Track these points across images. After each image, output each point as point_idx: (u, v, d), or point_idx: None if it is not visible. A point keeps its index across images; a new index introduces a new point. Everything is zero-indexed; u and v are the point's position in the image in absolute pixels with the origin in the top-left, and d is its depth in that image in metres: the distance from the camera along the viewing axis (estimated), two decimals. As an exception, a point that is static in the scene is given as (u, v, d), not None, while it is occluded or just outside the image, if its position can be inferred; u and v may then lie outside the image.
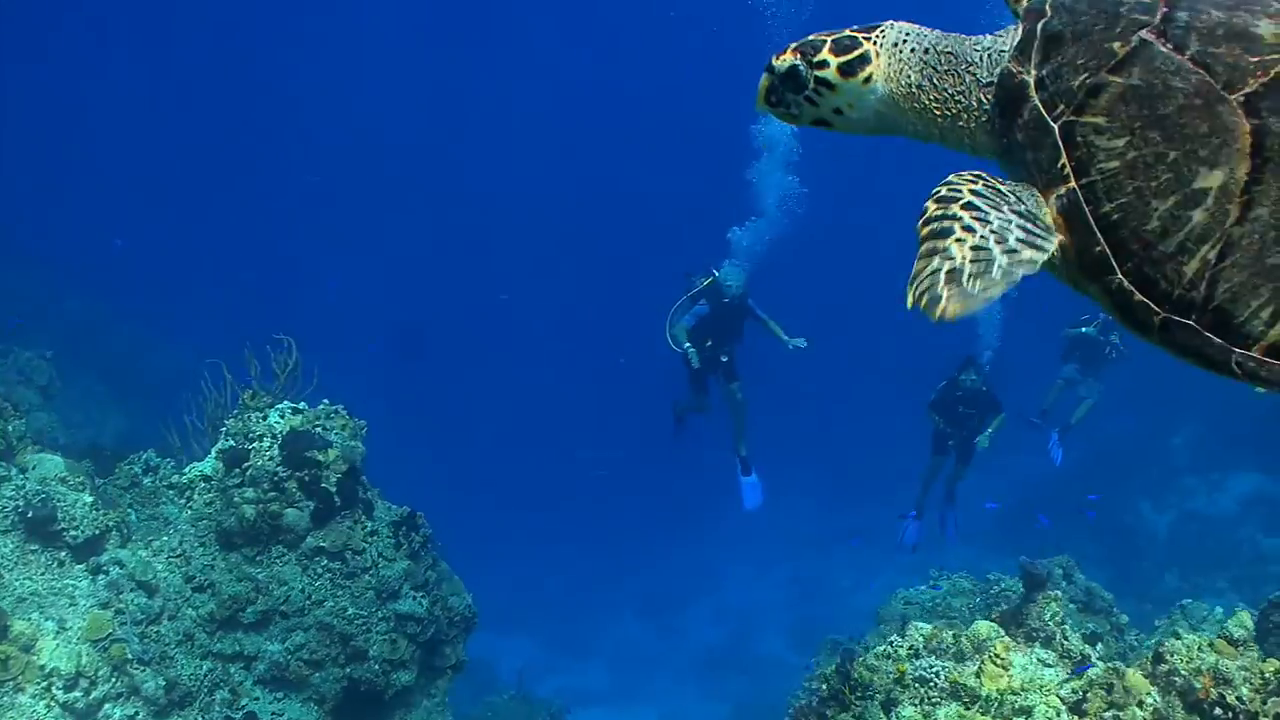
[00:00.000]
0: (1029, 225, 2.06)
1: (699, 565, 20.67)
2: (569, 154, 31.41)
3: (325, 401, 8.39)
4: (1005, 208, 2.07)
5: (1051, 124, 2.13)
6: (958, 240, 1.99)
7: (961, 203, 2.06)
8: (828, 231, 23.03)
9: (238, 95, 30.09)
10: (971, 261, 1.95)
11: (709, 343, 11.20)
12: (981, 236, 2.00)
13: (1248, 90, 1.99)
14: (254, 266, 28.79)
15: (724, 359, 11.40)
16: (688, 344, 11.13)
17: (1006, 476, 17.78)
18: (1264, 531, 15.23)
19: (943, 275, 1.93)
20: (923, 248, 2.02)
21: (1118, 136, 2.05)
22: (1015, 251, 1.99)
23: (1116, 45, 2.11)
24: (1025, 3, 2.34)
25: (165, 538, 7.57)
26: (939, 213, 2.06)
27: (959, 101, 2.36)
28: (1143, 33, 2.11)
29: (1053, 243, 2.07)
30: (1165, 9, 2.15)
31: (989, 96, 2.31)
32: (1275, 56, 2.01)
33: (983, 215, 2.04)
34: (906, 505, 12.44)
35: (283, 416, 8.10)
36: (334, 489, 7.72)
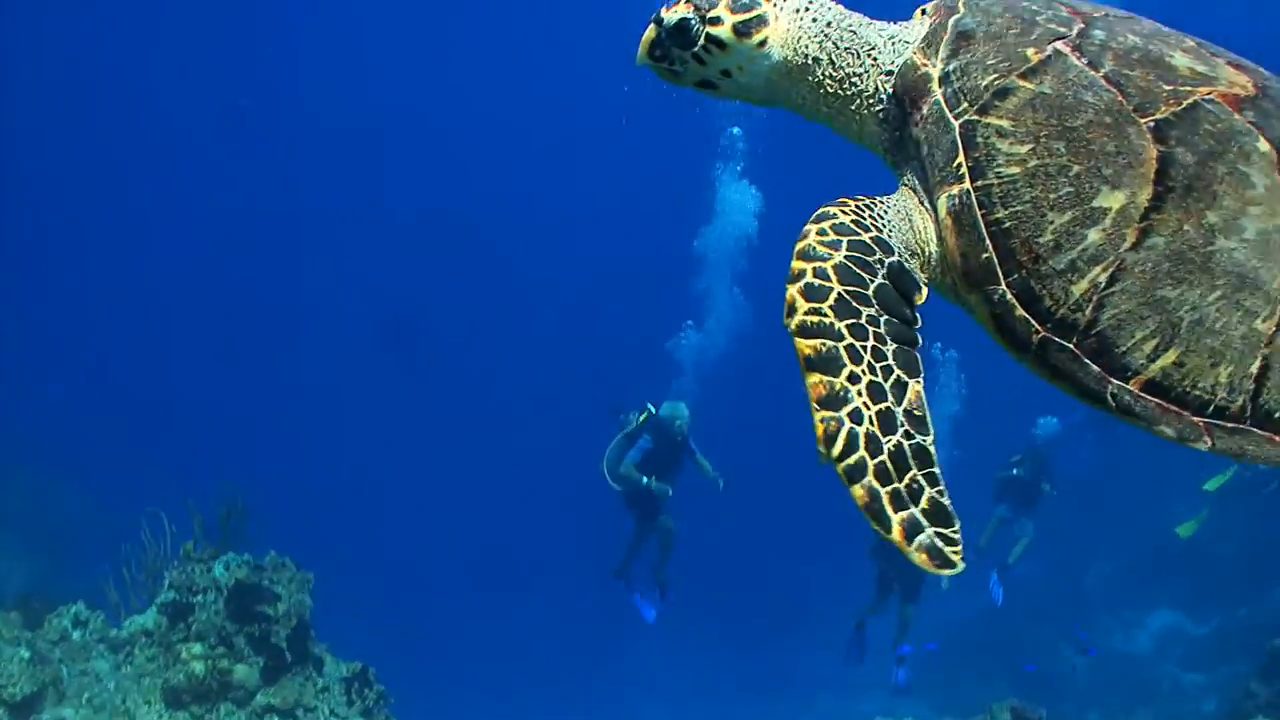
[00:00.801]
0: (896, 300, 1.94)
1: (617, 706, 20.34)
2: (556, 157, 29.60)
3: (272, 553, 8.22)
4: (877, 277, 1.95)
5: (952, 121, 2.03)
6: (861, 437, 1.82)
7: (840, 329, 1.88)
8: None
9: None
10: (893, 492, 1.79)
11: (653, 477, 11.29)
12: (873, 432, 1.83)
13: (1159, 116, 1.95)
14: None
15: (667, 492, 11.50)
16: (646, 478, 11.20)
17: (937, 616, 17.96)
18: (1182, 667, 15.54)
19: (886, 503, 1.78)
20: (816, 415, 1.84)
21: (1021, 143, 1.97)
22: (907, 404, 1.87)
23: (1030, 51, 2.05)
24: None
25: (106, 695, 7.26)
26: (819, 346, 1.87)
27: (854, 84, 2.25)
28: (1058, 44, 2.05)
29: (919, 297, 1.98)
30: (1082, 25, 2.11)
31: (887, 85, 2.20)
32: (1188, 89, 1.98)
33: (861, 371, 1.86)
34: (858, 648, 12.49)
35: (228, 568, 7.91)
36: (284, 644, 7.53)
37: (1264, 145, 1.93)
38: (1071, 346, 1.93)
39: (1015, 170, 1.95)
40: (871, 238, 2.00)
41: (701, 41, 2.25)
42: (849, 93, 2.25)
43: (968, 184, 1.98)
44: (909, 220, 2.08)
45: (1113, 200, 1.91)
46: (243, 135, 27.44)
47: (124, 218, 26.77)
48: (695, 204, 20.86)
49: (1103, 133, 1.93)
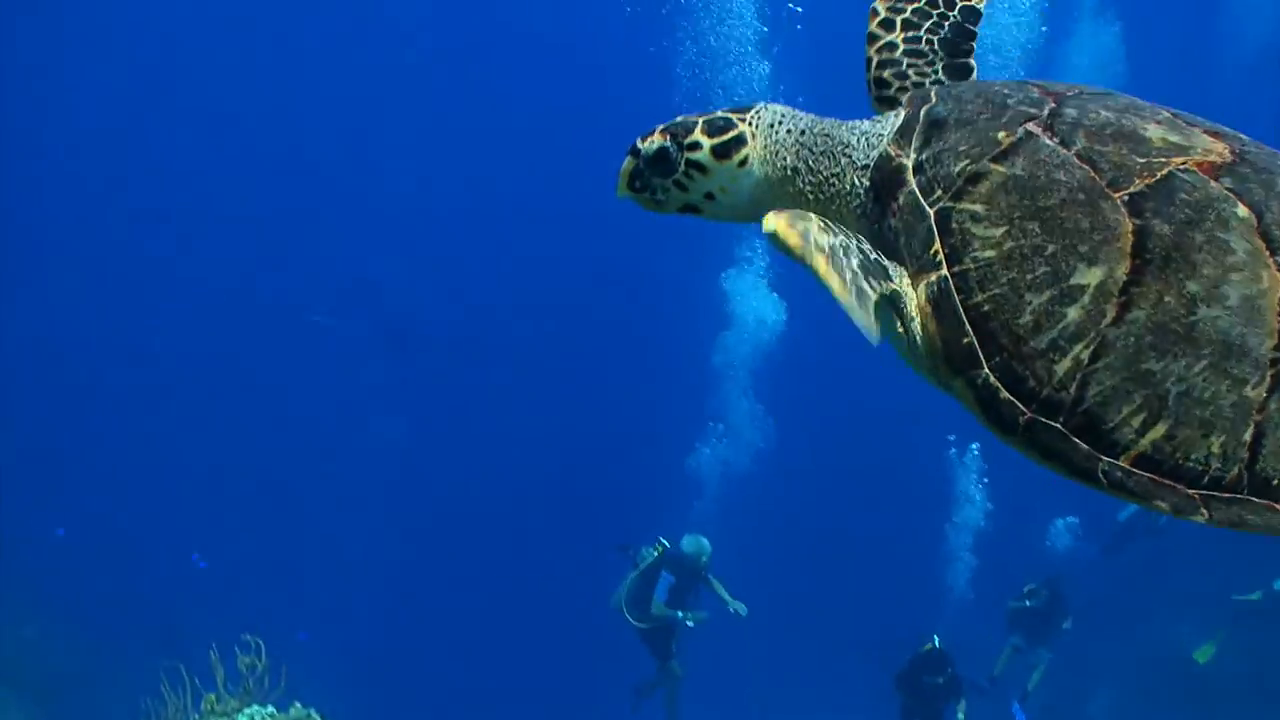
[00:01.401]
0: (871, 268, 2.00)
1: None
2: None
3: (297, 704, 8.13)
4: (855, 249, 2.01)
5: (927, 209, 2.05)
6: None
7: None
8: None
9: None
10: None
11: (686, 612, 11.32)
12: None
13: (1133, 190, 1.95)
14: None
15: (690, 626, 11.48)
16: (680, 613, 11.21)
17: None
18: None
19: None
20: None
21: (995, 225, 1.98)
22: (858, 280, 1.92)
23: (1001, 135, 2.06)
24: (890, 88, 2.36)
25: None
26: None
27: (833, 185, 2.28)
28: (1029, 125, 2.07)
29: (889, 287, 2.01)
30: (1054, 104, 2.12)
31: (864, 180, 2.23)
32: (1162, 160, 1.99)
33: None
34: None
35: (254, 723, 7.82)
36: (315, 800, 7.40)
37: (1242, 210, 1.94)
38: (1059, 426, 1.92)
39: (991, 253, 1.96)
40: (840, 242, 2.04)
41: (682, 168, 2.29)
42: (829, 194, 2.28)
43: (945, 270, 1.99)
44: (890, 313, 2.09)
45: (1090, 277, 1.91)
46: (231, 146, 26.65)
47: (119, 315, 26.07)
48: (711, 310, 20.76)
49: (1077, 210, 1.94)
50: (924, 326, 2.03)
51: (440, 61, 27.26)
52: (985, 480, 18.29)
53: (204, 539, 21.02)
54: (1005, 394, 1.94)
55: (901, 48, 2.51)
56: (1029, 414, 1.93)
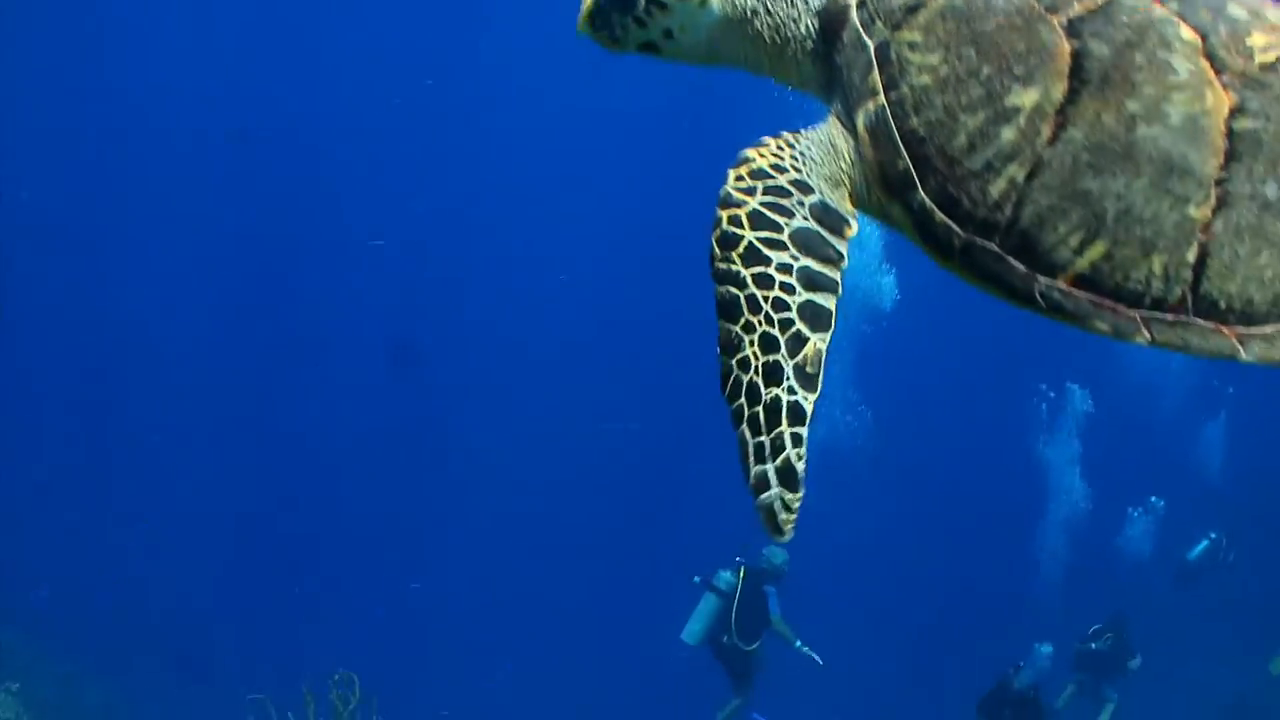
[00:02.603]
0: (819, 240, 1.99)
1: None
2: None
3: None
4: (796, 218, 2.00)
5: (868, 41, 2.06)
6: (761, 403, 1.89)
7: (750, 274, 1.94)
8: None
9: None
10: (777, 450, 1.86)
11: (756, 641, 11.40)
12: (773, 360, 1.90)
13: (1071, 14, 1.95)
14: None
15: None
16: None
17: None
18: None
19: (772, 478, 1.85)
20: (723, 364, 1.92)
21: (932, 52, 1.98)
22: (816, 315, 1.93)
23: None
24: None
25: None
26: (731, 300, 1.93)
27: (790, 29, 2.25)
28: None
29: (845, 237, 2.01)
30: None
31: (816, 23, 2.22)
32: None
33: (766, 300, 1.93)
34: None
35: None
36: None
37: (1186, 33, 1.93)
38: (994, 247, 1.92)
39: (927, 79, 1.97)
40: (789, 180, 2.03)
41: (643, 5, 2.27)
42: (785, 38, 2.26)
43: (882, 98, 2.00)
44: (832, 148, 2.09)
45: (1025, 98, 1.91)
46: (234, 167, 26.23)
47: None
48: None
49: (1013, 34, 1.94)
50: (863, 155, 2.03)
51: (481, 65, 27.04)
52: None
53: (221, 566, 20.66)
54: (941, 216, 1.95)
55: None
56: (965, 235, 1.93)
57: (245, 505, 22.30)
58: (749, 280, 1.93)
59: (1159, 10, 1.95)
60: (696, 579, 11.74)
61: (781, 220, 1.98)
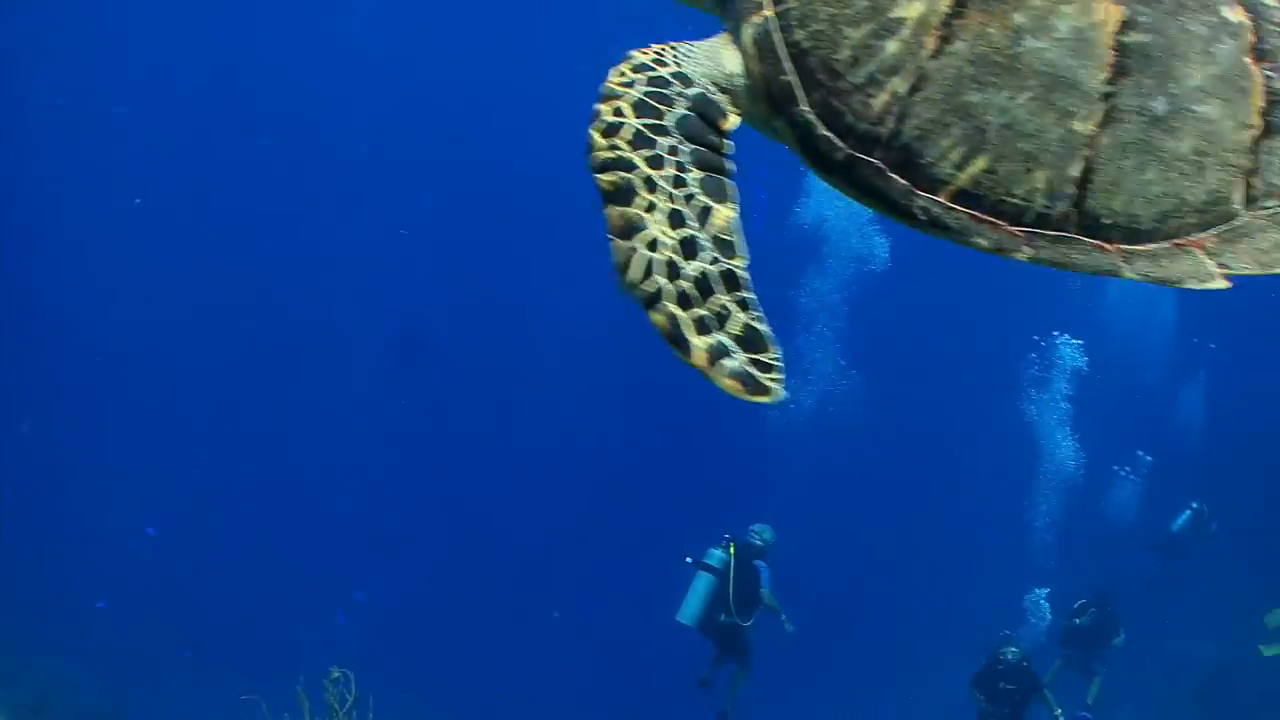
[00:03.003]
0: (700, 127, 1.97)
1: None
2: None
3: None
4: (677, 107, 1.97)
5: None
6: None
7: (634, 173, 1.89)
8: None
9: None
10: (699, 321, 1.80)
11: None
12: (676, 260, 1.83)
13: None
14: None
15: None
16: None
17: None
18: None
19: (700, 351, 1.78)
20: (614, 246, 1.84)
21: None
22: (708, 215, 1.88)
23: None
24: None
25: None
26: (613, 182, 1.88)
27: None
28: None
29: (730, 119, 1.99)
30: None
31: None
32: None
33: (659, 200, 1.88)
34: None
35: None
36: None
37: None
38: (876, 161, 1.91)
39: None
40: (671, 72, 2.02)
41: None
42: None
43: (769, 10, 1.97)
44: (718, 59, 2.07)
45: (910, 10, 1.89)
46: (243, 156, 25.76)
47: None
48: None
49: None
50: (748, 68, 2.00)
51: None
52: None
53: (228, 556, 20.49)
54: (823, 130, 1.93)
55: None
56: (846, 149, 1.92)
57: (244, 500, 22.28)
58: (639, 162, 1.89)
59: None
60: (689, 559, 11.74)
61: (663, 108, 1.96)
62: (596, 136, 1.93)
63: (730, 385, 1.76)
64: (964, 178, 1.88)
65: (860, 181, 1.93)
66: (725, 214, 1.90)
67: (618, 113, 1.94)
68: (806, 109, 1.94)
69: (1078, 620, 12.79)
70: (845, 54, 1.91)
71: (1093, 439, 17.94)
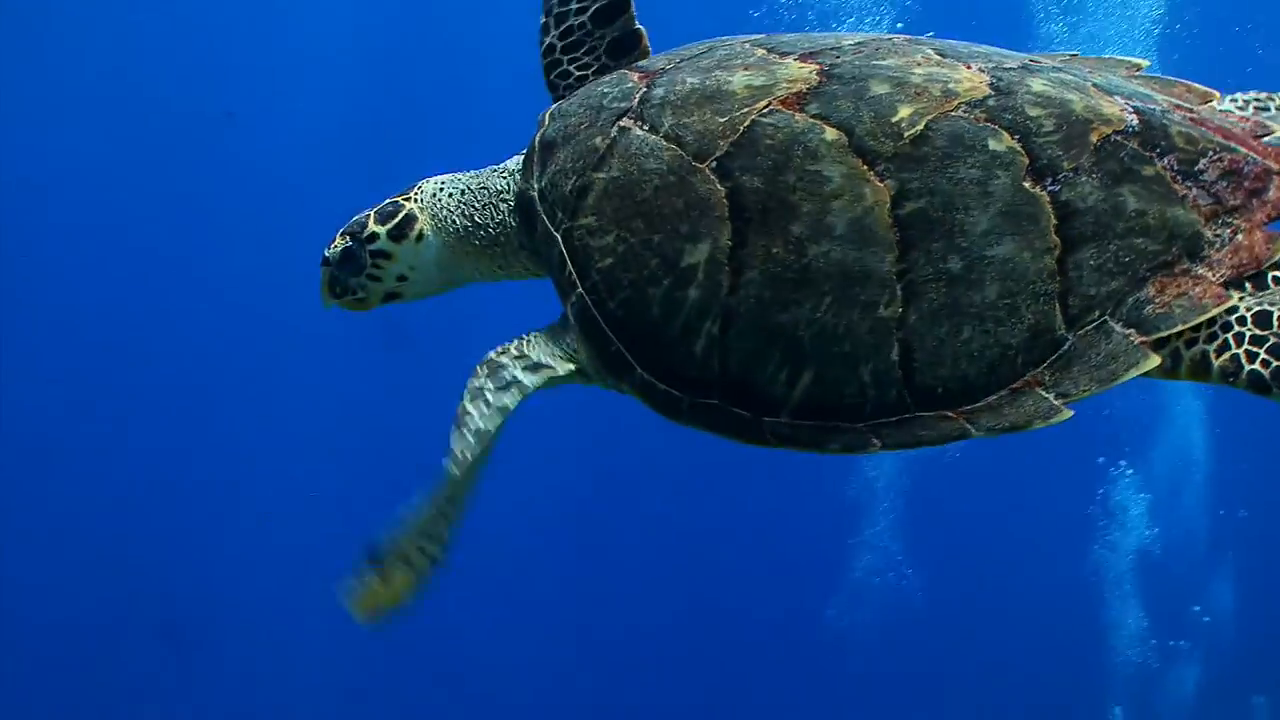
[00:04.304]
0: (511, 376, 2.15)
1: None
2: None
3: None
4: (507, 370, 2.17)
5: (555, 234, 2.11)
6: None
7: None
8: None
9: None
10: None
11: None
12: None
13: (718, 154, 1.98)
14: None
15: None
16: None
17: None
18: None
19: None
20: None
21: (607, 234, 2.03)
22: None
23: (598, 140, 2.11)
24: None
25: None
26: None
27: (502, 232, 2.35)
28: (622, 121, 2.10)
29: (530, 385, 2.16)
30: (645, 89, 2.15)
31: (515, 219, 2.31)
32: (744, 111, 2.01)
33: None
34: None
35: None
36: None
37: (830, 134, 1.96)
38: (715, 402, 2.00)
39: (610, 261, 2.02)
40: (510, 358, 2.20)
41: (369, 261, 2.39)
42: (501, 243, 2.38)
43: (579, 288, 2.06)
44: (561, 338, 2.18)
45: (698, 254, 1.97)
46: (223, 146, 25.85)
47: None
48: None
49: (671, 194, 2.00)
50: (579, 344, 2.13)
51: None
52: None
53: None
54: (662, 387, 2.04)
55: (560, 45, 2.50)
56: (687, 398, 2.03)
57: (230, 493, 22.38)
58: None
59: (800, 121, 1.99)
60: None
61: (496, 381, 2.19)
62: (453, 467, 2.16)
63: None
64: (798, 394, 1.96)
65: (709, 422, 2.04)
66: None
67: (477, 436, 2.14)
68: (641, 372, 2.05)
69: None
70: (656, 312, 2.00)
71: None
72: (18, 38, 24.46)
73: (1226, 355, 1.95)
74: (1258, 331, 1.94)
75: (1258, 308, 1.96)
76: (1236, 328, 1.96)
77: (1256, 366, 1.92)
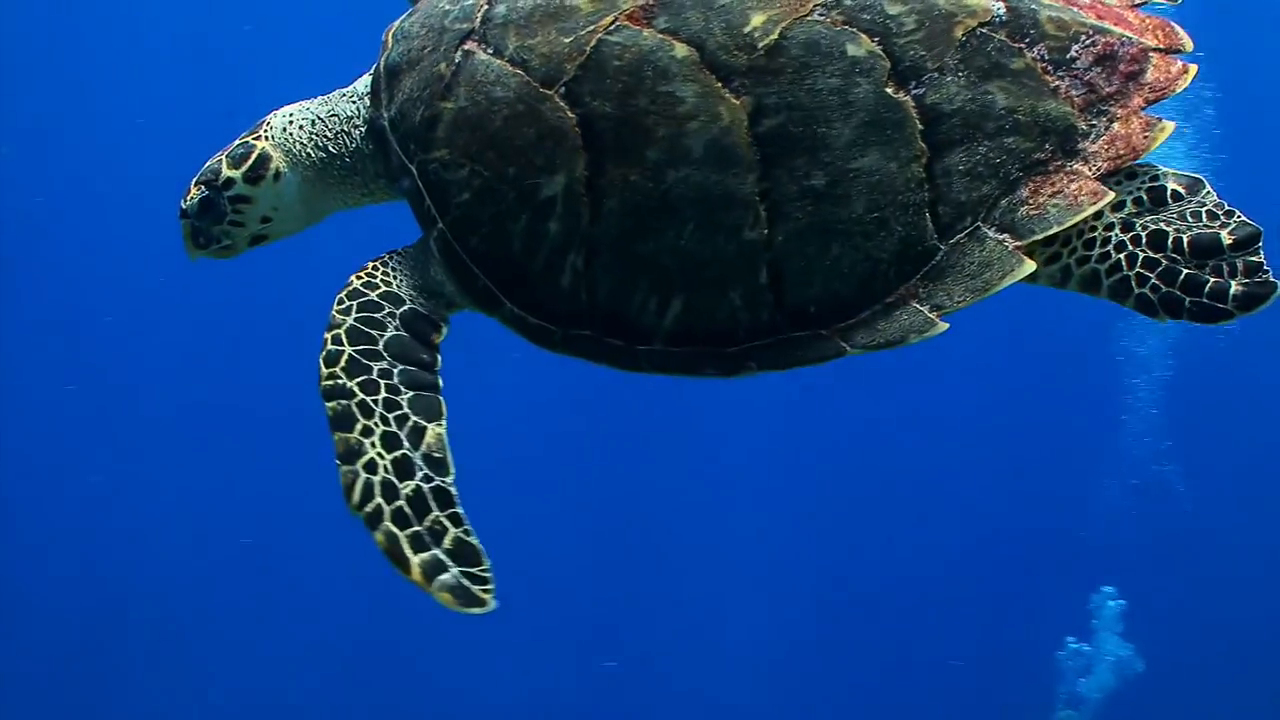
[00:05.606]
0: (412, 345, 2.04)
1: None
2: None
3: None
4: (389, 329, 2.05)
5: (410, 166, 2.06)
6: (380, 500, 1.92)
7: (355, 401, 1.98)
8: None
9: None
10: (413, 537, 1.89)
11: None
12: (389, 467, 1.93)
13: (566, 79, 1.91)
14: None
15: None
16: None
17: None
18: None
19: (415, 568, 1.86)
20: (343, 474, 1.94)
21: (461, 167, 1.97)
22: (420, 433, 1.96)
23: (443, 67, 2.03)
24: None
25: None
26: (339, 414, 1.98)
27: (359, 160, 2.27)
28: (466, 44, 2.02)
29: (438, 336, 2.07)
30: (486, 6, 2.05)
31: (370, 145, 2.23)
32: (589, 29, 1.92)
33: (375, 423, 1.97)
34: None
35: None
36: None
37: (680, 50, 1.89)
38: (588, 333, 1.97)
39: (467, 196, 1.97)
40: (380, 294, 2.08)
41: (229, 208, 2.29)
42: (361, 170, 2.28)
43: (440, 224, 2.02)
44: (425, 269, 2.12)
45: (554, 186, 1.91)
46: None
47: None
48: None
49: (522, 124, 1.93)
50: (445, 276, 2.08)
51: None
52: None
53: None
54: (533, 320, 2.00)
55: None
56: (560, 329, 1.99)
57: (226, 494, 22.28)
58: (355, 389, 1.98)
59: (648, 37, 1.90)
60: None
61: (375, 332, 2.04)
62: (321, 365, 2.02)
63: (445, 599, 1.84)
64: (669, 321, 1.93)
65: (585, 352, 2.01)
66: (435, 432, 1.98)
67: (335, 340, 2.03)
68: (510, 306, 2.02)
69: None
70: (519, 246, 1.96)
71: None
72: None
73: (1118, 276, 1.93)
74: (1150, 254, 1.90)
75: (1153, 226, 1.92)
76: (1130, 248, 1.92)
77: (1145, 291, 1.91)
